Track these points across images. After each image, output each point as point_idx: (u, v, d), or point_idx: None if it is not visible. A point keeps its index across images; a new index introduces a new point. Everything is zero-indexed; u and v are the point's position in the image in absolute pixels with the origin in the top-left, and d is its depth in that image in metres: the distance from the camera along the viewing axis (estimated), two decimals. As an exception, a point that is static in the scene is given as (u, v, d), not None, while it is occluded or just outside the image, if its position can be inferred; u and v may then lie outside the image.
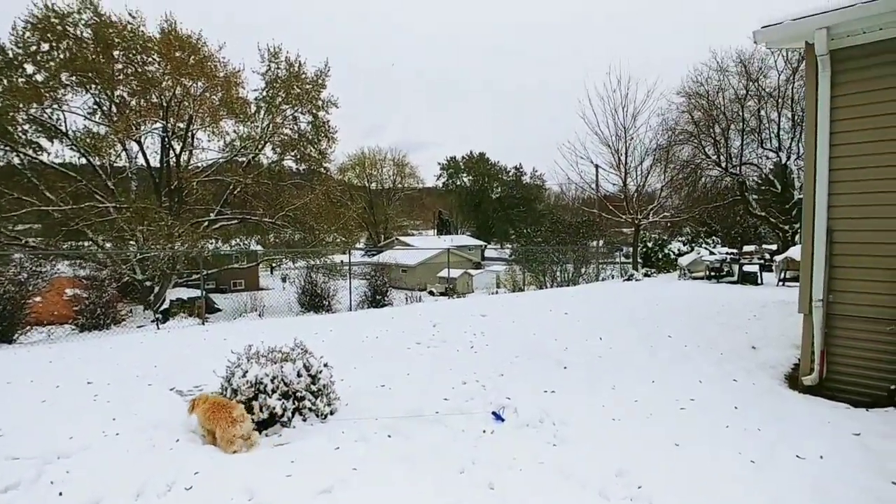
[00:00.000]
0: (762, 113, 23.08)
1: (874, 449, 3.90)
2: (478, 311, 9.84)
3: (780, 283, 13.68)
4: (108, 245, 21.64)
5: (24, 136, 19.93)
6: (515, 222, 58.61)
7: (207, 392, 5.33)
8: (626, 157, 22.25)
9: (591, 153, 25.61)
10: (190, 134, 23.34)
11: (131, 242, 21.03)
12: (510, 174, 71.67)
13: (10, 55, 18.57)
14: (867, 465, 3.66)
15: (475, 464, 3.82)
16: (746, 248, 24.02)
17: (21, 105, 18.63)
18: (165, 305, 19.87)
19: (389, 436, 4.28)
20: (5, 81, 18.68)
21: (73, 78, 19.72)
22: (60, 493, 3.35)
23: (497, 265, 38.07)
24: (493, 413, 4.74)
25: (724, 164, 23.75)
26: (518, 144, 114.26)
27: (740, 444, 4.02)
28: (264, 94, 24.36)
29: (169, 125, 21.99)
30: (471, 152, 71.01)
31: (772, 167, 23.96)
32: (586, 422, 4.60)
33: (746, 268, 15.02)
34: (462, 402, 5.08)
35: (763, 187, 25.34)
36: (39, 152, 20.63)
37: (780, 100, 22.26)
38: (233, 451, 3.94)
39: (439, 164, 72.30)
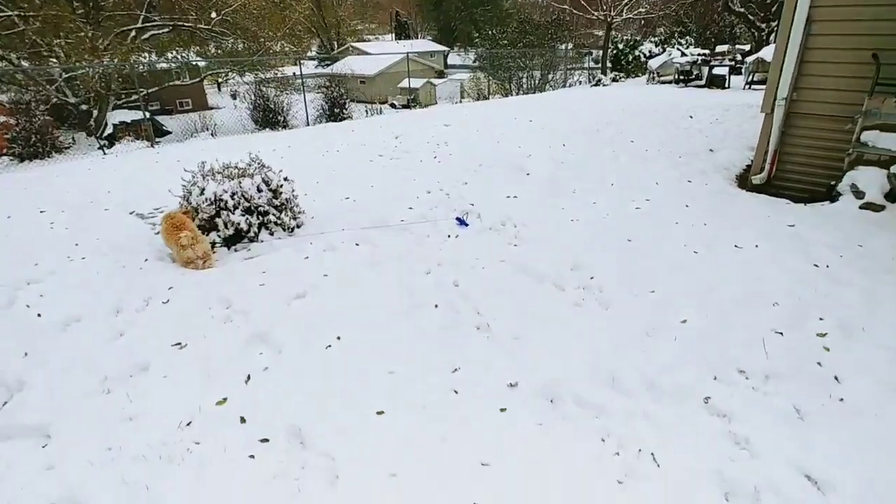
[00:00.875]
0: None
1: (804, 237, 4.27)
2: (441, 122, 9.53)
3: (747, 87, 13.51)
4: (24, 63, 19.11)
5: None
6: (480, 24, 53.64)
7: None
8: (604, -60, 19.71)
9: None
10: (87, -85, 19.06)
11: (52, 60, 18.60)
12: (474, -37, 63.20)
13: None
14: (796, 250, 4.03)
15: (440, 265, 4.04)
16: (719, 49, 23.11)
17: None
18: (109, 130, 18.51)
19: (357, 244, 4.41)
20: None
21: None
22: (39, 315, 3.43)
23: (461, 73, 35.97)
24: (457, 219, 4.88)
25: (709, -51, 21.40)
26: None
27: (686, 238, 4.33)
28: None
29: None
30: (429, -65, 61.38)
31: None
32: (546, 224, 4.81)
33: (716, 70, 14.60)
34: (426, 210, 5.18)
35: (747, -22, 23.33)
36: None
37: None
38: (193, 268, 4.02)
39: (394, -48, 62.82)
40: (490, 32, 23.16)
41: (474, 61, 29.78)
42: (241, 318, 3.30)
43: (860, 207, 4.78)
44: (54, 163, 10.66)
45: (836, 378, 2.63)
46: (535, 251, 4.22)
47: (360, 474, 2.23)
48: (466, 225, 4.77)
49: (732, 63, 16.27)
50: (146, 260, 4.25)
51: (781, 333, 3.01)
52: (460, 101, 20.76)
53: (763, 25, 21.67)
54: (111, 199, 6.02)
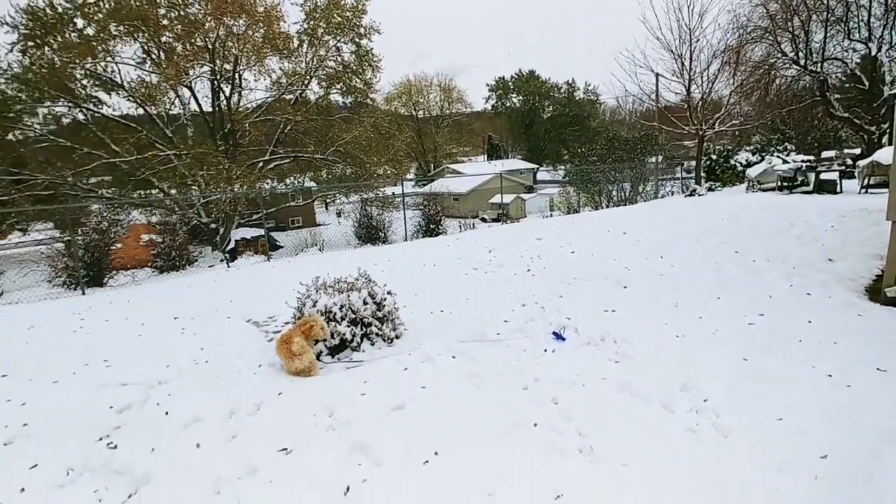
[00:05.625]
0: (850, -2, 20.33)
1: (965, 359, 3.69)
2: (533, 235, 9.76)
3: (863, 191, 12.60)
4: (173, 191, 22.78)
5: (84, 91, 20.70)
6: (568, 142, 56.49)
7: (281, 322, 5.74)
8: (691, 63, 20.53)
9: (651, 61, 23.74)
10: (237, 75, 23.48)
11: (194, 188, 22.04)
12: (562, 91, 67.99)
13: (60, 10, 18.89)
14: (956, 375, 3.48)
15: (538, 381, 3.94)
16: (825, 155, 22.15)
17: (77, 60, 19.16)
18: (231, 245, 21.02)
19: (454, 357, 4.46)
20: (59, 38, 19.16)
21: (121, 27, 19.95)
22: (167, 413, 3.76)
23: (550, 188, 37.25)
24: (554, 333, 4.81)
25: (802, 62, 21.42)
26: (571, 59, 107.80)
27: (815, 358, 3.90)
28: (305, 26, 23.94)
29: (216, 68, 22.17)
30: (520, 70, 67.61)
31: (858, 61, 21.40)
32: (649, 339, 4.58)
33: (824, 176, 13.87)
34: (522, 324, 5.17)
35: (847, 85, 22.80)
36: (100, 106, 21.46)
37: (873, -20, 19.47)
38: (302, 377, 4.25)
39: (487, 85, 69.45)
40: (579, 150, 24.12)
41: (563, 177, 30.84)
42: (342, 428, 3.38)
43: None
44: (187, 274, 12.14)
45: None
46: (639, 369, 4.01)
47: None
48: (563, 339, 4.68)
49: (843, 168, 15.42)
50: (259, 366, 4.57)
51: (954, 478, 2.52)
52: (550, 215, 21.26)
53: (872, 128, 20.65)
54: (233, 308, 6.67)
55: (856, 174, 13.82)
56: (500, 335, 4.90)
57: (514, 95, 69.18)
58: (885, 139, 19.64)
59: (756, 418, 3.19)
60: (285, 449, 3.17)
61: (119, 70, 21.05)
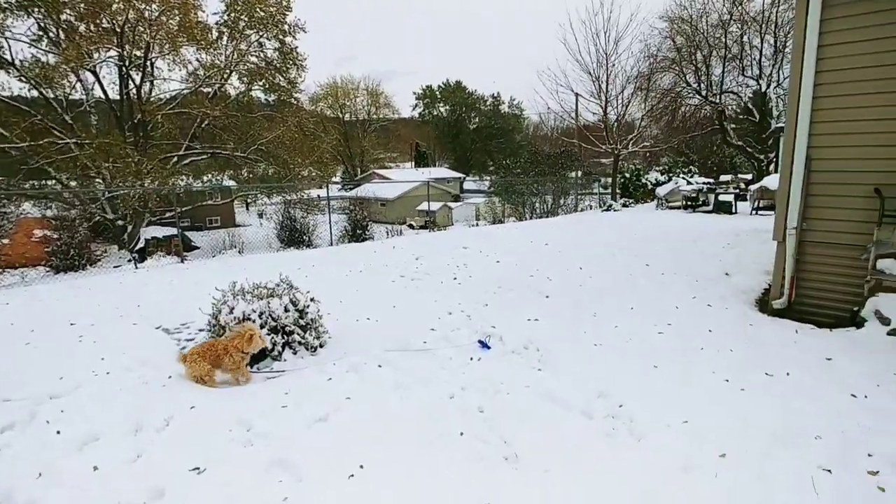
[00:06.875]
0: (745, 38, 22.64)
1: (835, 365, 4.17)
2: (459, 244, 9.90)
3: (754, 212, 14.02)
4: (73, 184, 20.76)
5: (-37, 65, 18.45)
6: (494, 154, 58.09)
7: (195, 329, 5.39)
8: (607, 86, 21.90)
9: (571, 81, 25.04)
10: (149, 63, 21.90)
11: (98, 181, 20.24)
12: (488, 104, 69.85)
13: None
14: (829, 379, 3.92)
15: (464, 389, 3.98)
16: (723, 178, 24.33)
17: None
18: (141, 245, 19.49)
19: (380, 366, 4.40)
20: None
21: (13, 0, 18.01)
22: (58, 432, 3.39)
23: (476, 197, 37.98)
24: (480, 341, 4.89)
25: (704, 93, 23.54)
26: (496, 73, 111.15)
27: (714, 365, 4.25)
28: (225, 17, 22.83)
29: (125, 53, 20.54)
30: (447, 80, 68.61)
31: (751, 95, 23.85)
32: (569, 348, 4.78)
33: (722, 197, 15.28)
34: (448, 332, 5.21)
35: (741, 116, 25.35)
36: (-16, 84, 19.18)
37: (763, 24, 21.81)
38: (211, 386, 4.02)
39: (415, 93, 69.94)
40: (504, 162, 24.86)
41: (489, 187, 31.61)
42: (261, 442, 3.22)
43: (888, 334, 4.71)
44: (88, 275, 11.09)
45: (898, 526, 2.43)
46: (560, 377, 4.16)
47: None
48: (489, 348, 4.77)
49: (737, 191, 17.07)
50: (169, 377, 4.25)
51: (830, 471, 2.84)
52: (476, 224, 21.70)
53: (762, 157, 23.06)
54: (140, 314, 6.17)
55: (748, 197, 15.33)
56: (427, 344, 4.90)
57: (441, 105, 70.08)
58: (772, 167, 21.95)
59: (665, 422, 3.41)
60: (197, 468, 2.96)
61: (9, 46, 18.93)
